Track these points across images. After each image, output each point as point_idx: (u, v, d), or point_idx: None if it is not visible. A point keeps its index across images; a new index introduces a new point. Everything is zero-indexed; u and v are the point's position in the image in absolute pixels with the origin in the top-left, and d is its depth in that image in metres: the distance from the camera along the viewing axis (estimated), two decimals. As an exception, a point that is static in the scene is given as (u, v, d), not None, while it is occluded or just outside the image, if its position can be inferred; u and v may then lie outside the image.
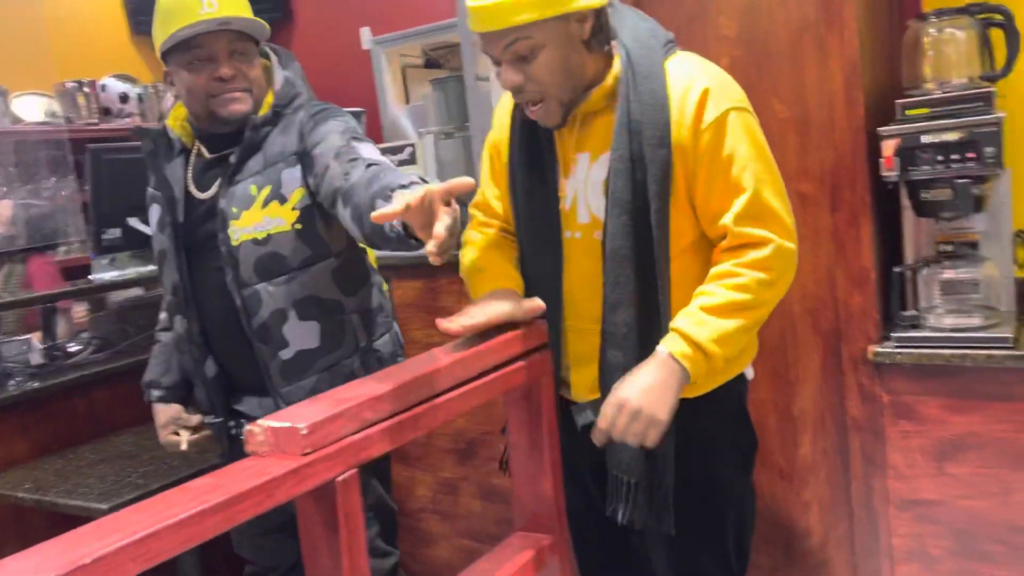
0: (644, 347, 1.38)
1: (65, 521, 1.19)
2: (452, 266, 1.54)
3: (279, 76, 1.72)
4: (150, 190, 1.80)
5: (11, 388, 2.39)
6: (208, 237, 1.69)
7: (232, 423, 1.79)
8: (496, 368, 1.30)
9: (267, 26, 1.69)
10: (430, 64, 3.01)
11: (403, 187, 1.26)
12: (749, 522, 1.57)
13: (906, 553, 1.95)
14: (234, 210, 1.65)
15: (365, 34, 3.18)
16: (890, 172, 1.83)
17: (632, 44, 1.39)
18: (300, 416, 0.99)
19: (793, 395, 2.04)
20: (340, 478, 1.01)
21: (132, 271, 2.79)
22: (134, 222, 2.63)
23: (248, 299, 1.66)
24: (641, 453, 1.39)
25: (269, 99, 1.70)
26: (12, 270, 3.43)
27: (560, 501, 1.45)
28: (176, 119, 1.76)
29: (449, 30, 2.59)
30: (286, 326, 1.66)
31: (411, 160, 2.64)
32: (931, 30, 1.92)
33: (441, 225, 1.07)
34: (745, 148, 1.34)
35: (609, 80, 1.39)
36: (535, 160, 1.48)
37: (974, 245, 1.93)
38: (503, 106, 1.57)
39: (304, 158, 1.64)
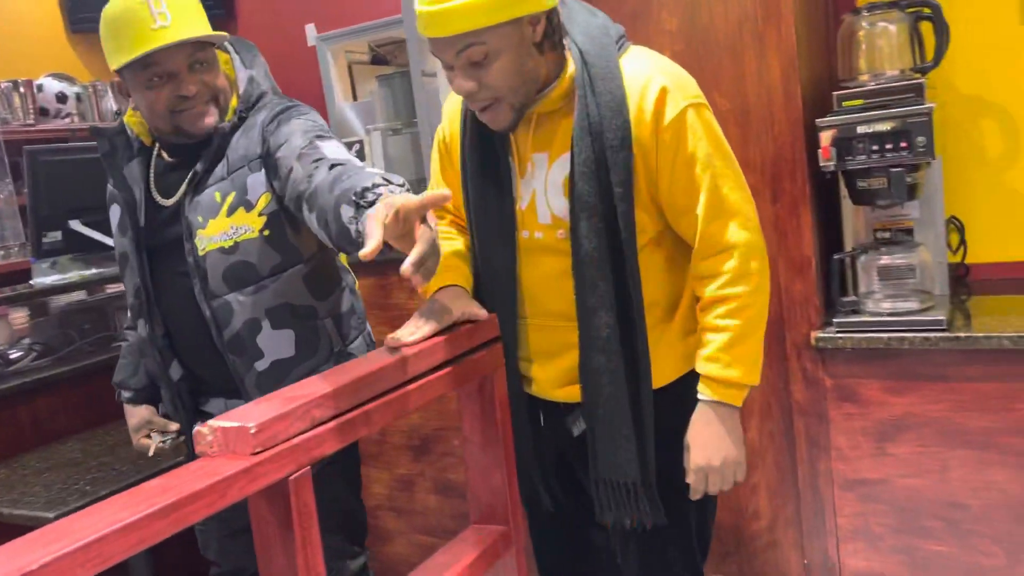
0: (625, 348, 1.40)
1: (11, 532, 1.17)
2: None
3: (242, 76, 1.66)
4: (110, 189, 1.73)
5: (-50, 397, 2.33)
6: (172, 243, 1.63)
7: (199, 424, 1.76)
8: (448, 363, 1.31)
9: (224, 34, 1.63)
10: (377, 60, 3.00)
11: (367, 189, 1.22)
12: (711, 511, 1.59)
13: (851, 532, 2.01)
14: (200, 219, 1.59)
15: (310, 31, 3.15)
16: (828, 162, 1.88)
17: (585, 43, 1.38)
18: (249, 415, 0.99)
19: (740, 382, 2.08)
20: (292, 476, 1.01)
21: (75, 274, 2.73)
22: (76, 225, 2.57)
23: (218, 310, 1.60)
24: (634, 454, 1.42)
25: (233, 103, 1.64)
26: (-53, 276, 3.33)
27: (514, 492, 1.46)
28: (134, 116, 1.68)
29: (395, 26, 2.58)
30: (260, 336, 1.61)
31: (359, 157, 2.62)
32: (864, 24, 1.98)
33: (415, 253, 1.04)
34: (705, 145, 1.36)
35: (565, 80, 1.38)
36: (489, 160, 1.47)
37: (909, 231, 2.00)
38: (453, 101, 1.55)
39: (268, 161, 1.58)
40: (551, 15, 1.35)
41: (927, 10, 1.96)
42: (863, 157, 1.86)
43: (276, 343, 1.62)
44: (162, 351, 1.69)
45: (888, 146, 1.84)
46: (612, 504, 1.47)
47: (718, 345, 1.39)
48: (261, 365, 1.62)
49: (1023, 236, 2.16)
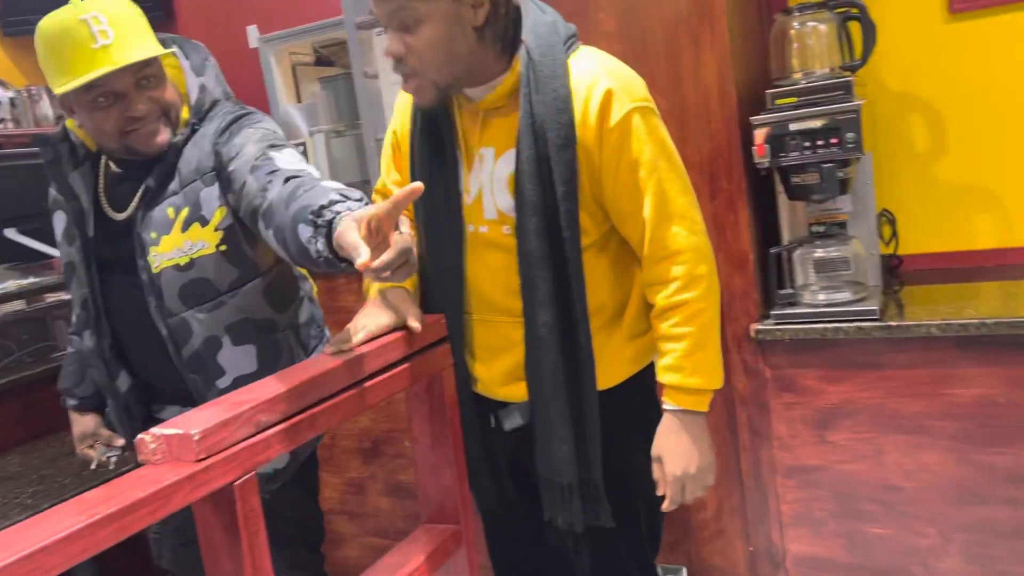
0: (566, 346, 1.40)
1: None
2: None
3: (193, 85, 1.59)
4: (52, 194, 1.67)
5: None
6: (124, 257, 1.57)
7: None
8: (396, 364, 1.31)
9: (171, 51, 1.57)
10: (321, 61, 2.98)
11: (324, 207, 1.19)
12: (660, 506, 1.62)
13: (793, 518, 2.07)
14: (153, 235, 1.54)
15: (252, 32, 3.12)
16: (762, 159, 1.93)
17: (533, 41, 1.38)
18: (193, 422, 0.99)
19: (684, 375, 2.13)
20: (238, 482, 1.01)
21: (12, 283, 2.66)
22: (12, 233, 2.51)
23: (176, 328, 1.55)
24: (571, 454, 1.42)
25: (184, 115, 1.58)
26: None
27: (464, 491, 1.47)
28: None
29: (338, 27, 2.57)
30: (220, 353, 1.56)
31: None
32: (795, 24, 2.04)
33: (381, 259, 1.02)
34: (650, 149, 1.36)
35: (511, 77, 1.38)
36: (437, 153, 1.47)
37: (843, 225, 2.06)
38: (404, 96, 1.54)
39: (221, 175, 1.52)
40: (497, 5, 1.34)
41: (854, 10, 2.03)
42: (796, 153, 1.92)
43: (237, 360, 1.58)
44: (109, 363, 1.64)
45: (819, 142, 1.89)
46: (555, 507, 1.48)
47: (678, 354, 1.40)
48: (223, 383, 1.57)
49: (952, 227, 2.24)
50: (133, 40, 1.46)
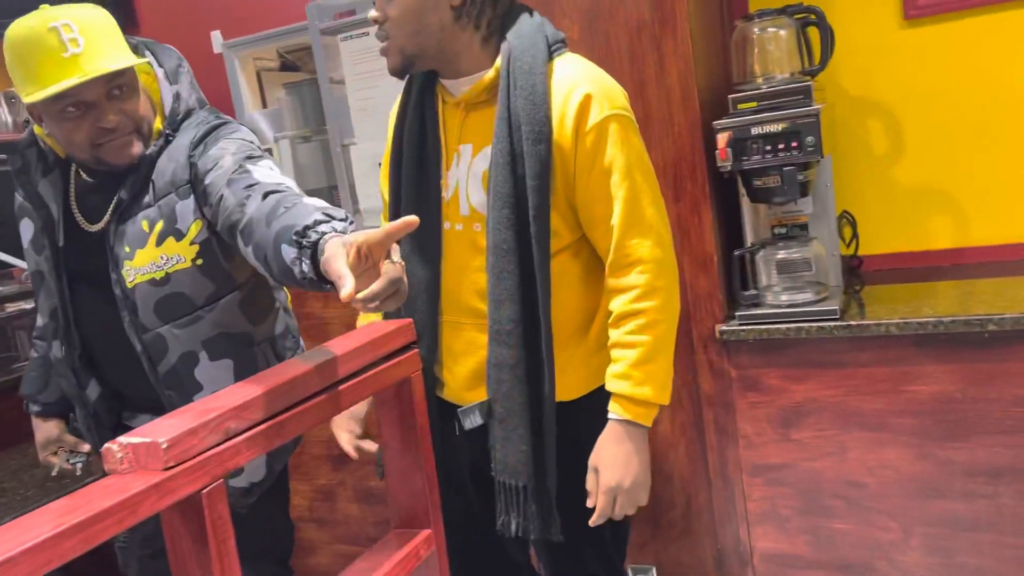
0: (527, 343, 1.41)
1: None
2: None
3: (167, 94, 1.55)
4: (19, 201, 1.63)
5: None
6: (96, 270, 1.53)
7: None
8: (365, 369, 1.31)
9: (141, 57, 1.53)
10: (286, 67, 2.97)
11: (308, 227, 1.16)
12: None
13: (760, 516, 2.10)
14: (127, 249, 1.50)
15: (216, 38, 3.09)
16: (725, 163, 1.97)
17: (515, 38, 1.40)
18: (160, 430, 0.98)
19: (651, 376, 2.15)
20: (206, 490, 1.01)
21: (-30, 294, 2.62)
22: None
23: (151, 344, 1.52)
24: (528, 455, 1.42)
25: (158, 125, 1.54)
26: None
27: (435, 495, 1.48)
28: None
29: (302, 33, 2.57)
30: (198, 369, 1.54)
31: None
32: (756, 29, 2.07)
33: (370, 289, 0.99)
34: (625, 157, 1.38)
35: (491, 73, 1.40)
36: (420, 149, 1.48)
37: (804, 227, 2.10)
38: (393, 105, 1.57)
39: (196, 187, 1.49)
40: None
41: (813, 16, 2.07)
42: (758, 157, 1.95)
43: (214, 375, 1.55)
44: (79, 372, 1.61)
45: (780, 146, 1.93)
46: (506, 511, 1.46)
47: (629, 362, 1.39)
48: (200, 398, 1.54)
49: (910, 228, 2.29)
50: (105, 49, 1.43)
